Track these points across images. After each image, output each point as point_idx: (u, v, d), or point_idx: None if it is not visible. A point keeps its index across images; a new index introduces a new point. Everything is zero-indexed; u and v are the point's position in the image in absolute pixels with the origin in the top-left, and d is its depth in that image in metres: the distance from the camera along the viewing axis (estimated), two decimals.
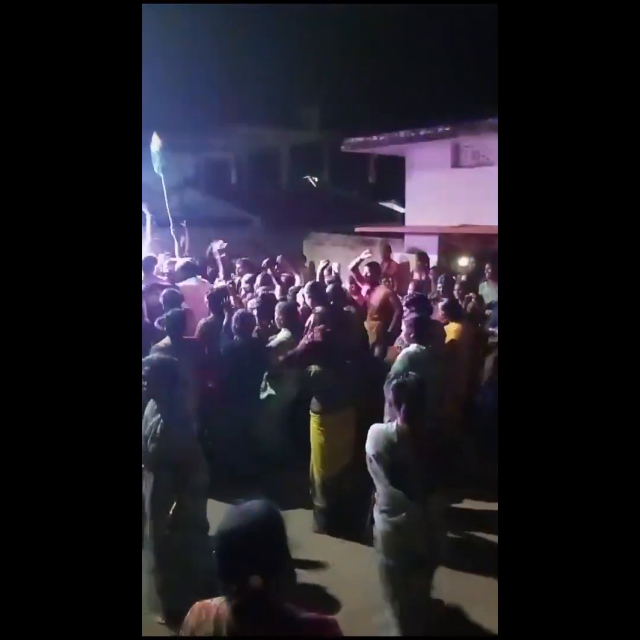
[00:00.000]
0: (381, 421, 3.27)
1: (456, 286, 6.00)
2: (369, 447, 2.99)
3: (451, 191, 9.58)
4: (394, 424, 2.98)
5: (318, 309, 4.95)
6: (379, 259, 8.13)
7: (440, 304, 5.15)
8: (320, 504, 4.20)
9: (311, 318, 4.96)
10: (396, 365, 4.20)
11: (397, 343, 4.77)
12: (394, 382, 3.05)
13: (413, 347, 4.24)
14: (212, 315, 5.20)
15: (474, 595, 3.41)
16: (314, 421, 4.15)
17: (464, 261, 9.47)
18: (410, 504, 2.89)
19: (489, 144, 9.33)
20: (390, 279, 7.94)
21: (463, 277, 6.63)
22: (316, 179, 20.80)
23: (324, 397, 4.09)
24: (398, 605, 2.97)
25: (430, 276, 7.84)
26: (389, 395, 3.07)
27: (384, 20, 17.58)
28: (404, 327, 4.42)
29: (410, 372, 3.26)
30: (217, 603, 1.54)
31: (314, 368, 4.14)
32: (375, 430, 3.02)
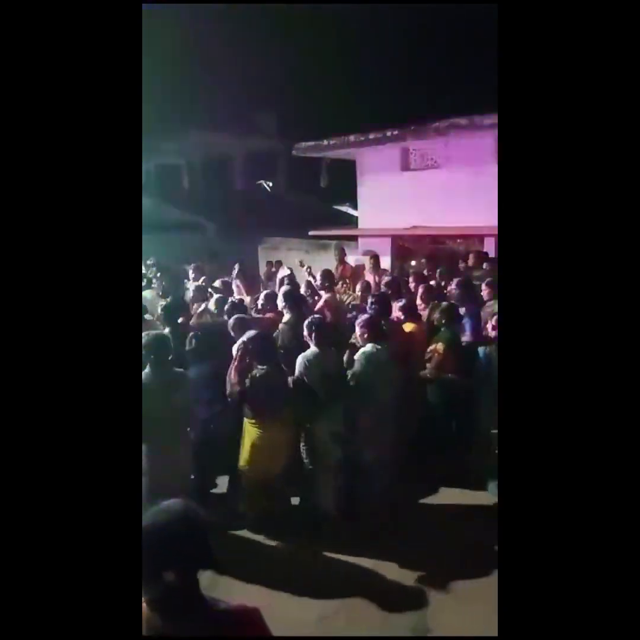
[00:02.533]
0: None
1: (420, 290, 6.03)
2: (299, 369, 4.19)
3: (402, 194, 9.78)
4: (311, 349, 4.26)
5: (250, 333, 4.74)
6: (332, 261, 8.27)
7: (398, 304, 5.26)
8: (252, 512, 4.10)
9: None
10: (355, 366, 4.31)
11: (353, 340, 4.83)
12: (306, 321, 4.37)
13: (369, 346, 4.34)
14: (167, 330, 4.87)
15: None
16: (248, 425, 4.07)
17: (416, 262, 9.67)
18: (325, 404, 4.15)
19: (436, 147, 9.59)
20: (347, 281, 8.09)
21: (432, 282, 6.69)
22: (270, 184, 20.79)
23: (259, 401, 4.01)
24: (317, 472, 4.24)
25: (384, 277, 8.02)
26: (305, 333, 4.31)
27: (344, 23, 17.64)
28: (357, 328, 4.51)
29: (315, 316, 4.58)
30: None
31: (250, 374, 4.05)
32: (301, 357, 4.24)
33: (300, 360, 4.23)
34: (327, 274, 6.70)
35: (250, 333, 4.17)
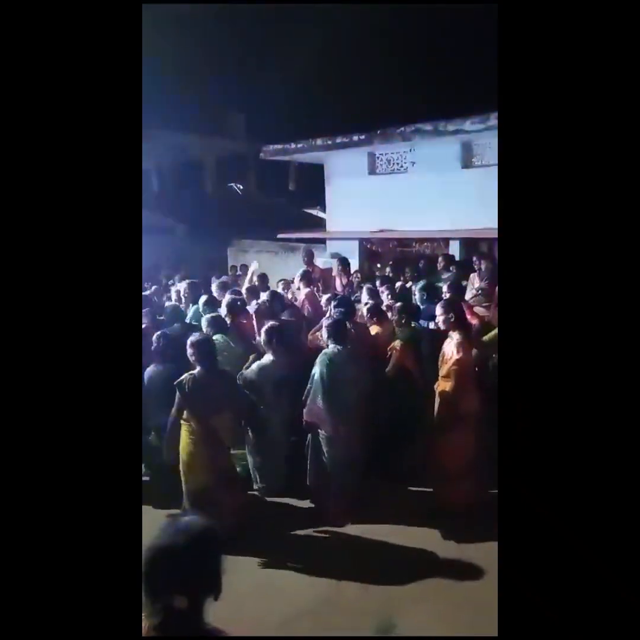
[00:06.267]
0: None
1: (386, 292, 6.14)
2: (252, 374, 4.57)
3: (369, 197, 9.93)
4: (268, 356, 4.62)
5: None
6: (301, 264, 8.39)
7: (365, 307, 5.38)
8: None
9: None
10: (316, 366, 4.40)
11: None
12: (264, 328, 4.67)
13: (331, 347, 4.45)
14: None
15: None
16: (184, 430, 4.01)
17: (383, 264, 9.83)
18: (276, 406, 4.57)
19: (402, 153, 9.77)
20: (319, 283, 8.22)
21: (398, 284, 6.83)
22: (241, 187, 20.78)
23: (195, 403, 3.95)
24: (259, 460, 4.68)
25: (353, 279, 8.17)
26: (263, 338, 4.62)
27: (315, 27, 17.68)
28: (322, 329, 4.63)
29: (272, 322, 4.77)
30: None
31: (187, 376, 4.01)
32: (256, 364, 4.62)
33: (254, 366, 4.59)
34: (305, 273, 6.98)
35: (193, 336, 4.16)
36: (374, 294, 5.85)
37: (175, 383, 3.96)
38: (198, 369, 4.02)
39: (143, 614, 1.44)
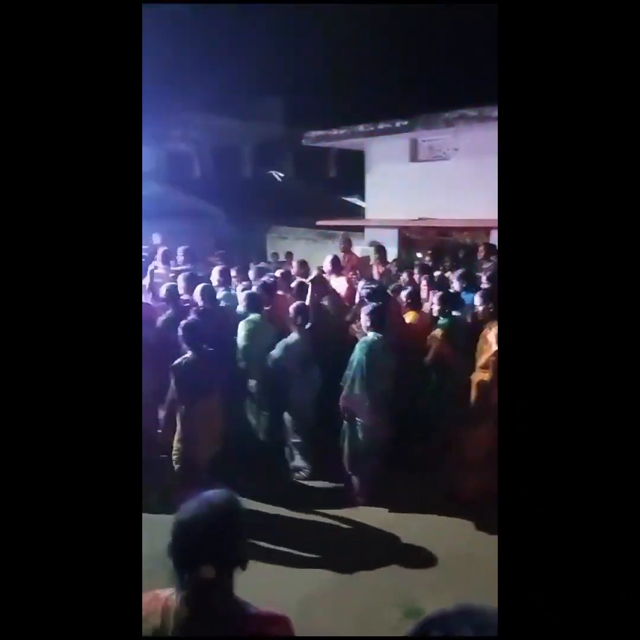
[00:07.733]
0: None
1: (424, 282, 6.05)
2: (278, 352, 4.73)
3: (410, 185, 9.80)
4: (293, 334, 4.80)
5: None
6: (338, 251, 8.37)
7: (403, 293, 5.36)
8: None
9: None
10: (356, 352, 4.43)
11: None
12: (291, 306, 4.85)
13: (370, 335, 4.45)
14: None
15: None
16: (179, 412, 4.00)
17: (421, 253, 9.71)
18: (299, 378, 4.77)
19: (444, 139, 9.59)
20: (357, 271, 8.17)
21: (437, 273, 6.75)
22: (282, 174, 20.81)
23: (184, 385, 3.96)
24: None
25: (391, 268, 8.10)
26: (291, 315, 4.80)
27: (354, 16, 17.57)
28: (362, 316, 4.62)
29: (298, 302, 4.94)
30: (167, 594, 1.51)
31: (181, 360, 4.01)
32: (282, 341, 4.79)
33: (280, 344, 4.77)
34: (334, 259, 6.99)
35: (184, 320, 4.17)
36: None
37: (171, 366, 3.95)
38: (189, 353, 3.98)
39: (173, 588, 1.49)
